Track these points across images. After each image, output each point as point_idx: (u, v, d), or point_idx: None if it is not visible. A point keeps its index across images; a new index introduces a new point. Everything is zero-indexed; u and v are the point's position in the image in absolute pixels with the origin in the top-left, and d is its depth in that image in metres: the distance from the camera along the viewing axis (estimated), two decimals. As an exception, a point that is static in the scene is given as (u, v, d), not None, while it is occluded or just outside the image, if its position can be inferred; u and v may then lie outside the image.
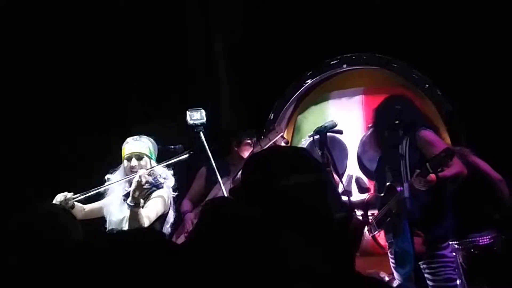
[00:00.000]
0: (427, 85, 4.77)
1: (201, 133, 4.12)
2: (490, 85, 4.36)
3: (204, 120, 4.14)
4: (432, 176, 3.73)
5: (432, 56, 4.66)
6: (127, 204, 3.82)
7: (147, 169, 3.90)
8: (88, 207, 4.12)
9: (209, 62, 5.72)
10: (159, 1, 5.81)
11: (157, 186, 3.95)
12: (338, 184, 3.90)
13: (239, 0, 5.67)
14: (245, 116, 5.49)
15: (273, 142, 4.67)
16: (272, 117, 5.45)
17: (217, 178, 4.14)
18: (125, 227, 3.90)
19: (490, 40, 4.46)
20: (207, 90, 5.65)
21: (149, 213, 3.87)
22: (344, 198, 5.14)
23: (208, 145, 4.10)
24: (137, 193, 3.76)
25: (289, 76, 5.39)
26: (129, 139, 4.10)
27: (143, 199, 3.89)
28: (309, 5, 5.20)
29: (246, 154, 4.82)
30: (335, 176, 3.69)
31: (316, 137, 4.91)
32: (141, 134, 4.18)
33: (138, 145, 4.06)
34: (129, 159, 4.03)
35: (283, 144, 4.84)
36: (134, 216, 3.78)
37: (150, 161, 4.05)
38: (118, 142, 4.20)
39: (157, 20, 5.78)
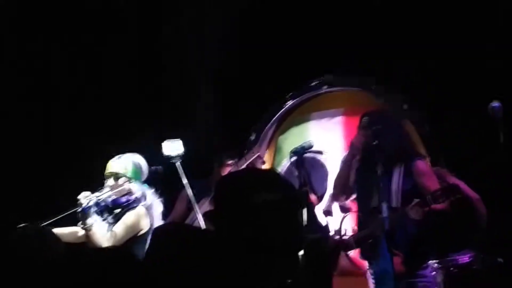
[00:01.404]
0: (405, 106, 4.84)
1: (178, 164, 4.15)
2: (468, 105, 4.43)
3: (181, 151, 4.17)
4: (430, 207, 3.80)
5: (410, 78, 4.73)
6: (80, 227, 3.90)
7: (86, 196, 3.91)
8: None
9: (189, 83, 5.76)
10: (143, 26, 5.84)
11: (125, 206, 3.99)
12: (315, 205, 3.93)
13: (219, 23, 5.71)
14: (226, 137, 5.51)
15: (250, 163, 4.71)
16: (253, 138, 5.49)
17: (194, 206, 4.16)
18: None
19: (465, 63, 4.54)
20: (188, 112, 5.68)
21: (117, 231, 3.94)
22: (326, 218, 5.20)
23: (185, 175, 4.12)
24: (81, 216, 3.85)
25: (270, 98, 5.44)
26: (114, 157, 4.14)
27: (115, 221, 3.97)
28: (288, 27, 5.26)
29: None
30: (312, 197, 3.73)
31: (293, 158, 4.97)
32: (131, 151, 4.21)
33: (116, 164, 4.09)
34: (108, 178, 4.06)
35: (259, 164, 4.89)
36: (88, 238, 3.88)
37: (130, 181, 4.07)
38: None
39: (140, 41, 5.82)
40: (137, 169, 4.12)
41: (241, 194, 1.65)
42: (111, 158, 4.15)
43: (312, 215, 3.64)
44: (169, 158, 4.18)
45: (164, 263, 1.72)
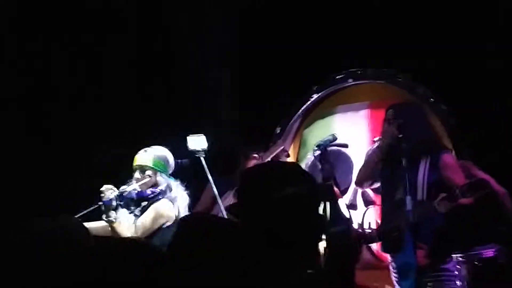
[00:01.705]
0: (431, 99, 4.81)
1: (202, 159, 4.21)
2: (491, 100, 4.40)
3: (205, 146, 4.23)
4: (459, 201, 3.79)
5: (436, 71, 4.71)
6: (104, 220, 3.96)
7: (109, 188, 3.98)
8: None
9: (213, 77, 5.79)
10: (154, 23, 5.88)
11: (150, 198, 4.05)
12: (339, 198, 3.95)
13: (238, 17, 5.73)
14: (252, 130, 5.54)
15: (275, 156, 4.74)
16: (278, 131, 5.51)
17: (218, 200, 4.20)
18: None
19: (491, 57, 4.50)
20: (214, 106, 5.72)
21: (141, 223, 4.01)
22: (350, 211, 5.20)
23: (209, 169, 4.17)
24: (104, 209, 3.93)
25: (295, 91, 5.46)
26: (141, 150, 4.20)
27: (141, 212, 4.03)
28: (314, 21, 5.27)
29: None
30: (336, 190, 3.74)
31: (317, 151, 4.99)
32: (158, 145, 4.26)
33: (142, 157, 4.16)
34: (135, 171, 4.13)
35: (284, 157, 4.91)
36: (112, 231, 3.94)
37: (156, 174, 4.12)
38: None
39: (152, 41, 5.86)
40: (163, 162, 4.18)
41: (262, 187, 1.67)
42: (136, 153, 4.21)
43: (336, 209, 3.65)
44: (193, 152, 4.23)
45: (188, 252, 1.77)
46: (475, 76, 4.59)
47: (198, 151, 4.22)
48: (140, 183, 4.09)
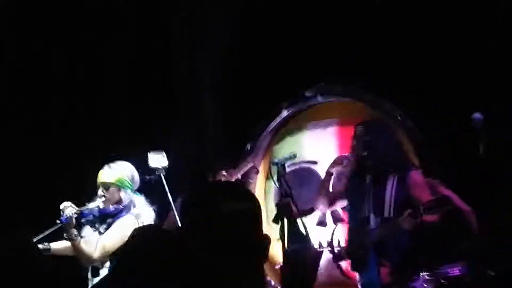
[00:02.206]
0: (398, 117, 4.83)
1: (162, 176, 4.20)
2: (458, 117, 4.43)
3: (165, 163, 4.22)
4: (423, 218, 3.81)
5: (403, 88, 4.74)
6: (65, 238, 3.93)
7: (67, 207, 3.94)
8: None
9: (184, 93, 5.78)
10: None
11: (114, 215, 4.02)
12: (297, 215, 3.94)
13: (219, 34, 5.74)
14: (222, 147, 5.53)
15: (245, 173, 4.74)
16: (248, 148, 5.50)
17: (176, 219, 4.19)
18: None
19: (458, 74, 4.54)
20: (184, 122, 5.70)
21: (100, 243, 3.95)
22: (320, 228, 5.20)
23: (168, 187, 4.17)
24: (63, 226, 3.89)
25: (265, 108, 5.46)
26: (104, 166, 4.16)
27: (106, 229, 3.99)
28: (283, 38, 5.28)
29: None
30: (294, 208, 3.73)
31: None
32: (122, 159, 4.23)
33: (106, 174, 4.12)
34: (98, 187, 4.11)
35: (253, 174, 4.90)
36: (74, 249, 3.93)
37: (120, 190, 4.09)
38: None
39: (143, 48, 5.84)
40: (126, 179, 4.14)
41: (205, 202, 1.67)
42: (101, 168, 4.18)
43: (294, 226, 3.64)
44: (154, 169, 4.22)
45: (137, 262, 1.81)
46: (442, 93, 4.61)
47: (158, 168, 4.20)
48: (103, 200, 4.05)
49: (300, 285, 2.00)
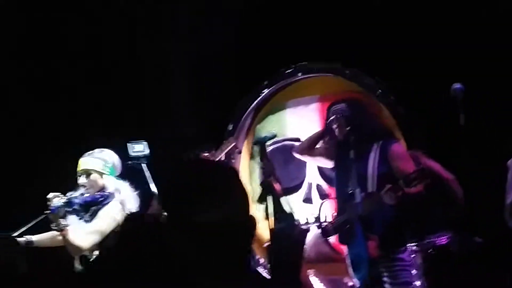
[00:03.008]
0: (379, 91, 4.83)
1: (143, 165, 4.18)
2: (439, 88, 4.44)
3: (147, 152, 4.19)
4: (405, 191, 3.81)
5: (382, 61, 4.73)
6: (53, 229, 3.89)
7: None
8: None
9: (163, 76, 5.73)
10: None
11: (99, 203, 3.97)
12: (280, 194, 3.94)
13: (193, 14, 5.68)
14: (203, 129, 5.49)
15: (226, 153, 4.73)
16: (230, 128, 5.47)
17: (156, 203, 4.17)
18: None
19: (439, 45, 4.54)
20: (163, 106, 5.65)
21: (88, 231, 3.92)
22: (305, 205, 5.21)
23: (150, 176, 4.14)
24: (52, 217, 3.84)
25: (245, 87, 5.42)
26: (85, 154, 4.12)
27: (90, 218, 3.96)
28: (263, 16, 5.24)
29: None
30: (277, 186, 3.73)
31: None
32: (102, 147, 4.18)
33: (87, 161, 4.08)
34: (80, 176, 4.06)
35: (236, 154, 4.89)
36: (64, 238, 3.87)
37: (103, 177, 4.05)
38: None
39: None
40: (109, 164, 4.10)
41: (187, 179, 1.66)
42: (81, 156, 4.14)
43: (278, 205, 3.64)
44: (134, 158, 4.20)
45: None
46: (422, 65, 4.61)
47: (140, 157, 4.17)
48: (87, 187, 4.01)
49: (288, 263, 1.99)
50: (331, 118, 4.23)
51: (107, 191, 4.02)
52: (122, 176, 4.24)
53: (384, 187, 3.92)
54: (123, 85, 5.73)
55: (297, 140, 5.20)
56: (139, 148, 4.19)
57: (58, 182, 4.29)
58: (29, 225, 3.87)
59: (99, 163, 4.06)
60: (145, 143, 4.23)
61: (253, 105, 5.43)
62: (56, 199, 3.85)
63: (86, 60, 5.75)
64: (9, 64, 5.68)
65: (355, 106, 4.27)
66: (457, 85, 3.58)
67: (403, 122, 4.72)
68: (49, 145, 5.47)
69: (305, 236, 4.05)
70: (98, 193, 4.02)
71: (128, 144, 4.21)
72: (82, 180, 4.03)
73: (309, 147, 4.51)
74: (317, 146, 4.53)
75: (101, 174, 4.05)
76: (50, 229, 4.01)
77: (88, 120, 5.60)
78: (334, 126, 4.21)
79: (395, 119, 4.75)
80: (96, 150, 4.13)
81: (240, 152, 5.14)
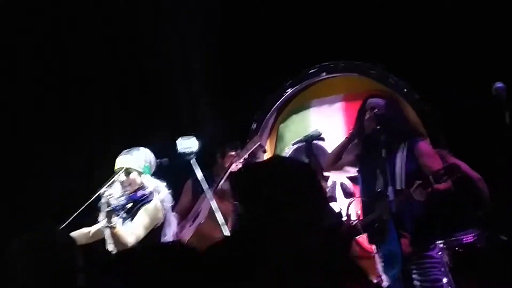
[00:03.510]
0: (405, 90, 4.87)
1: (192, 161, 4.19)
2: (464, 88, 4.48)
3: (195, 148, 4.21)
4: (433, 188, 3.85)
5: (408, 61, 4.77)
6: (105, 226, 3.92)
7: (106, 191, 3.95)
8: (93, 229, 4.17)
9: (187, 74, 5.77)
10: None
11: (140, 201, 3.99)
12: (326, 192, 4.00)
13: (214, 12, 5.71)
14: (228, 128, 5.54)
15: (252, 152, 4.77)
16: (254, 127, 5.52)
17: (211, 201, 4.21)
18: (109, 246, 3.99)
19: (462, 44, 4.58)
20: (188, 106, 5.70)
21: (134, 229, 3.95)
22: (331, 204, 5.26)
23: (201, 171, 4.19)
24: (108, 214, 3.88)
25: (269, 86, 5.47)
26: (123, 152, 4.14)
27: (128, 216, 4.00)
28: (286, 16, 5.28)
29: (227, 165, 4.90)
30: (323, 183, 3.78)
31: (302, 144, 5.04)
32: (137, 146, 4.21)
33: (126, 159, 4.10)
34: (118, 174, 4.07)
35: (261, 153, 4.94)
36: (113, 236, 3.91)
37: (141, 176, 4.08)
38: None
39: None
40: (147, 163, 4.14)
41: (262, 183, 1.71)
42: (117, 155, 4.17)
43: (325, 201, 3.69)
44: (183, 154, 4.21)
45: None
46: (447, 65, 4.65)
47: (188, 153, 4.20)
48: (128, 186, 4.02)
49: (337, 258, 2.05)
50: (366, 113, 4.24)
51: (148, 190, 4.04)
52: (154, 174, 4.29)
53: (412, 184, 3.96)
54: (144, 87, 5.78)
55: (321, 139, 5.24)
56: (188, 144, 4.21)
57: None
58: (71, 217, 3.90)
59: (138, 161, 4.09)
60: (194, 138, 4.24)
61: (277, 104, 5.47)
62: (113, 198, 3.87)
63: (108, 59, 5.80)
64: (34, 59, 5.71)
65: (390, 103, 4.29)
66: (499, 84, 3.62)
67: (429, 121, 4.76)
68: (80, 142, 5.51)
69: (353, 234, 4.08)
70: (140, 191, 4.04)
71: (178, 140, 4.23)
72: (122, 177, 4.05)
73: (333, 162, 4.51)
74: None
75: (140, 172, 4.08)
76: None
77: (119, 119, 5.64)
78: (367, 122, 4.22)
79: (420, 118, 4.79)
80: (135, 149, 4.15)
81: (265, 152, 5.17)
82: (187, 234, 4.89)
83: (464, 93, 4.37)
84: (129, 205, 4.03)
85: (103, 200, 3.92)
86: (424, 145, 4.20)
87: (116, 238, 3.92)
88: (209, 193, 4.20)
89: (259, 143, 4.98)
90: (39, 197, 5.30)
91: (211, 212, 4.82)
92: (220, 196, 4.65)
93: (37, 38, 5.69)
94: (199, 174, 4.19)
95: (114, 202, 3.87)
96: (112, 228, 3.91)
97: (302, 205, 1.64)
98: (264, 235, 1.62)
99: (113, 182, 4.06)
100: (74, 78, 5.71)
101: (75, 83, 5.70)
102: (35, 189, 5.39)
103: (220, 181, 4.67)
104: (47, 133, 5.58)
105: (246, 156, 4.90)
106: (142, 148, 4.19)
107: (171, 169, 4.70)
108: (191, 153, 4.22)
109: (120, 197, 3.95)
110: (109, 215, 3.89)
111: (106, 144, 4.78)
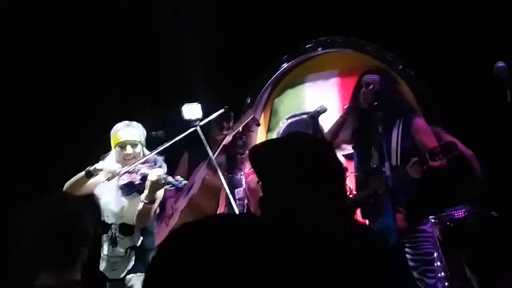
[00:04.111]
0: (400, 66, 4.90)
1: (198, 128, 4.21)
2: (458, 64, 4.52)
3: (200, 115, 4.22)
4: (430, 165, 3.90)
5: (403, 37, 4.79)
6: (143, 201, 3.84)
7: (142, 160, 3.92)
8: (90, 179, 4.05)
9: (182, 49, 5.76)
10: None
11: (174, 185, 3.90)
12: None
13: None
14: (222, 102, 5.54)
15: (245, 125, 4.80)
16: (249, 101, 5.54)
17: (217, 170, 4.23)
18: (125, 218, 3.97)
19: (458, 22, 4.60)
20: (182, 79, 5.70)
21: (152, 200, 3.92)
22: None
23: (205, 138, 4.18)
24: (153, 191, 3.81)
25: (265, 61, 5.48)
26: (119, 125, 4.07)
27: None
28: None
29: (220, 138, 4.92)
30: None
31: (296, 119, 5.07)
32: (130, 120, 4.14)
33: (132, 132, 4.05)
34: (123, 146, 4.02)
35: (254, 126, 4.97)
36: (145, 212, 3.85)
37: (143, 148, 4.09)
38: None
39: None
40: (144, 135, 4.15)
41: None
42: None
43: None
44: (189, 121, 4.23)
45: None
46: (442, 40, 4.68)
47: (193, 120, 4.22)
48: (142, 160, 3.97)
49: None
50: (362, 89, 4.27)
51: (158, 164, 3.99)
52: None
53: (408, 161, 4.01)
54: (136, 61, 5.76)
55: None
56: (193, 110, 4.22)
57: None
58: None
59: (140, 134, 4.07)
60: (199, 105, 4.25)
61: (272, 78, 5.49)
62: (167, 177, 3.82)
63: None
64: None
65: (386, 79, 4.32)
66: (500, 64, 3.66)
67: (423, 98, 4.80)
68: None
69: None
70: (146, 165, 3.99)
71: (183, 107, 4.24)
72: (128, 150, 4.00)
73: (331, 141, 4.52)
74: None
75: (142, 145, 4.08)
76: None
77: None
78: (362, 97, 4.26)
79: (414, 95, 4.83)
80: (130, 122, 4.10)
81: (259, 125, 5.21)
82: (181, 205, 4.93)
83: (465, 72, 4.40)
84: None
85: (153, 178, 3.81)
86: (420, 122, 4.24)
87: (146, 214, 3.84)
88: (219, 171, 4.20)
89: (252, 115, 5.01)
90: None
91: (204, 184, 4.87)
92: (212, 169, 4.68)
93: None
94: (205, 141, 4.20)
95: (179, 181, 3.80)
96: (151, 203, 3.84)
97: (328, 180, 1.68)
98: (293, 212, 1.65)
99: (137, 161, 3.97)
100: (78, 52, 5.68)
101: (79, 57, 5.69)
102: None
103: (214, 153, 4.70)
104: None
105: (240, 128, 4.93)
106: (133, 122, 4.12)
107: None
108: (197, 119, 4.23)
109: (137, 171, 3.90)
110: (155, 189, 3.80)
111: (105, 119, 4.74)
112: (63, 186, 3.98)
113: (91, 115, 5.48)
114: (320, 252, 1.57)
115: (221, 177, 4.24)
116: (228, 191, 4.25)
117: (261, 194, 1.75)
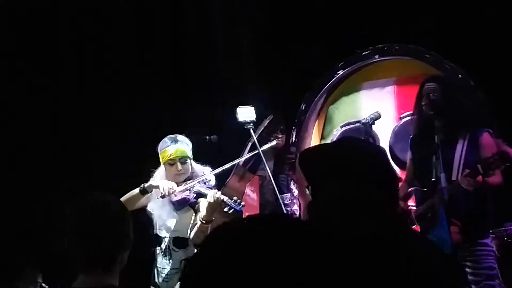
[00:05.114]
0: (460, 75, 4.78)
1: (252, 131, 4.23)
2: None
3: (254, 117, 4.24)
4: (480, 178, 3.77)
5: (464, 47, 4.68)
6: (201, 220, 3.84)
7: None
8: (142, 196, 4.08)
9: (237, 55, 5.76)
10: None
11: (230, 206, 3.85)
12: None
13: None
14: (276, 108, 5.52)
15: (267, 129, 4.84)
16: (303, 108, 5.51)
17: (268, 174, 4.23)
18: (178, 231, 3.98)
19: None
20: (236, 84, 5.70)
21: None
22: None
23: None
24: (211, 212, 3.82)
25: (321, 67, 5.43)
26: (167, 141, 4.03)
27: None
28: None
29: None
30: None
31: (351, 127, 5.01)
32: (176, 134, 4.11)
33: (180, 148, 4.01)
34: (172, 163, 4.00)
35: (279, 131, 4.96)
36: (203, 230, 3.82)
37: (191, 162, 4.06)
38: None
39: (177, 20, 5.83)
40: (191, 148, 4.10)
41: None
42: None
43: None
44: (242, 124, 4.23)
45: None
46: (504, 51, 4.55)
47: (248, 122, 4.23)
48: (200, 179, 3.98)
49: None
50: (424, 98, 4.12)
51: (207, 180, 4.00)
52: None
53: None
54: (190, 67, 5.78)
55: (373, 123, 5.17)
56: (247, 113, 4.24)
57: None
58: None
59: (189, 148, 4.05)
60: (253, 108, 4.26)
61: (327, 85, 5.44)
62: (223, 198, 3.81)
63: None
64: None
65: (447, 88, 4.14)
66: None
67: (483, 108, 4.66)
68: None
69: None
70: (197, 180, 4.00)
71: (238, 109, 4.25)
72: (178, 167, 3.98)
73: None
74: None
75: (190, 159, 4.06)
76: None
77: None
78: (424, 106, 4.11)
79: (475, 105, 4.69)
80: (179, 136, 4.07)
81: (283, 131, 5.08)
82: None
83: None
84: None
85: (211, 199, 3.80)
86: (488, 138, 4.04)
87: (203, 232, 3.81)
88: (269, 173, 4.21)
89: (270, 119, 4.96)
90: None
91: (227, 187, 4.80)
92: (239, 174, 4.82)
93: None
94: (257, 143, 4.23)
95: (237, 203, 3.78)
96: (208, 223, 3.82)
97: (382, 184, 1.64)
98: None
99: (196, 177, 3.99)
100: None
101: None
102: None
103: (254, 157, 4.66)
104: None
105: (260, 132, 4.82)
106: (181, 135, 4.10)
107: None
108: (251, 122, 4.23)
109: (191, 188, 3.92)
110: (212, 210, 3.80)
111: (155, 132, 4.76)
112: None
113: (145, 118, 5.54)
114: (375, 263, 1.52)
115: (272, 181, 4.24)
116: (279, 196, 4.27)
117: (310, 199, 1.71)
